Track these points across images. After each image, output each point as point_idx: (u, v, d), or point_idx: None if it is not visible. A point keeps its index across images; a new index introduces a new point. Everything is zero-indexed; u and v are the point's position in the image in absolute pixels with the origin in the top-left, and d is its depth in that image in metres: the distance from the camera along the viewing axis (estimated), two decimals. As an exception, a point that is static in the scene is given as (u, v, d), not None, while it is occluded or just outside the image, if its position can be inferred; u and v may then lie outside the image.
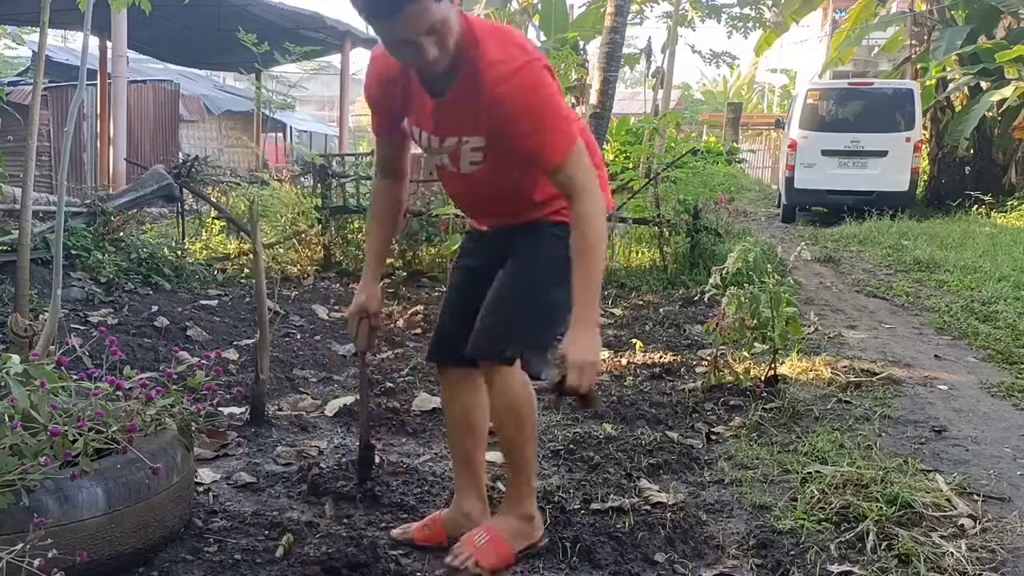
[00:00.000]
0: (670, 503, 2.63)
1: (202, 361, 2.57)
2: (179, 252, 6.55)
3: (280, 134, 21.66)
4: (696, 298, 6.02)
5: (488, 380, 2.15)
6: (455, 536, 2.27)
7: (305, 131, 24.71)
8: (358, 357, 2.49)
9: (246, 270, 6.76)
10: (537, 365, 2.13)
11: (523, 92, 1.89)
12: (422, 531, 2.37)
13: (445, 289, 6.42)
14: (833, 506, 2.58)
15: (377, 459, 2.92)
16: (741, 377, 3.88)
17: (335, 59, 16.06)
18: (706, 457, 3.11)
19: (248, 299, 5.74)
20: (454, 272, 2.53)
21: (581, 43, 18.23)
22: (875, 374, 4.17)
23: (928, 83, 14.03)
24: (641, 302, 6.13)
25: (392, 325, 5.27)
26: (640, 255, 7.87)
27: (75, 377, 2.24)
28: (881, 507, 2.53)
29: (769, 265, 4.15)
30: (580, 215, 1.94)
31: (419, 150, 2.26)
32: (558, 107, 1.94)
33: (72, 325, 4.49)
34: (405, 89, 2.06)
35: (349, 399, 3.62)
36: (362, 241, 7.47)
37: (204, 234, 7.76)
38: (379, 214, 2.39)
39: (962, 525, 2.51)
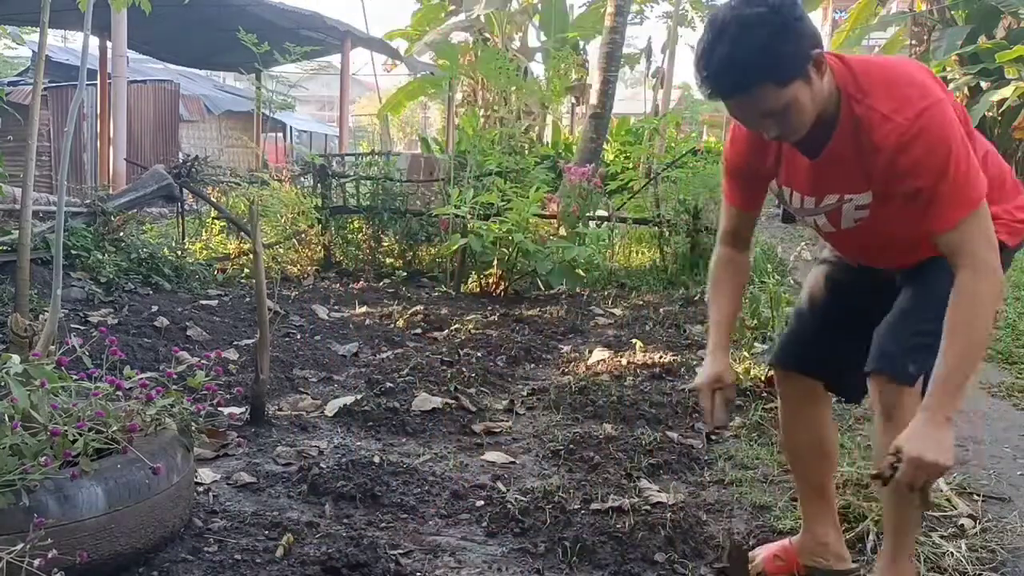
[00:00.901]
0: (670, 503, 2.63)
1: (202, 361, 2.57)
2: (179, 252, 6.55)
3: (280, 134, 21.66)
4: (696, 298, 6.02)
5: (883, 405, 1.89)
6: (809, 566, 2.18)
7: (305, 131, 24.72)
8: (712, 434, 2.17)
9: (246, 270, 6.76)
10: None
11: (925, 145, 1.67)
12: (773, 562, 2.23)
13: (444, 288, 6.44)
14: (833, 506, 2.58)
15: (376, 460, 2.92)
16: (741, 377, 3.88)
17: (335, 59, 16.07)
18: (706, 457, 3.11)
19: (248, 299, 5.74)
20: (819, 281, 2.22)
21: (581, 43, 18.25)
22: (875, 374, 4.16)
23: (928, 83, 14.02)
24: (641, 302, 6.13)
25: (392, 325, 5.27)
26: (640, 255, 7.87)
27: (75, 377, 2.24)
28: (881, 507, 2.53)
29: (769, 265, 4.16)
30: (962, 287, 1.67)
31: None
32: (963, 159, 1.68)
33: (72, 325, 4.49)
34: (776, 152, 1.91)
35: (349, 399, 3.62)
36: (362, 241, 7.48)
37: (204, 234, 7.76)
38: (724, 283, 2.11)
39: (962, 525, 2.51)
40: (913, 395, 1.84)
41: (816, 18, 26.25)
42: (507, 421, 3.53)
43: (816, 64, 1.68)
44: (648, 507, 2.61)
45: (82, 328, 4.48)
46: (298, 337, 4.84)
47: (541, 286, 6.66)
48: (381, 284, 6.73)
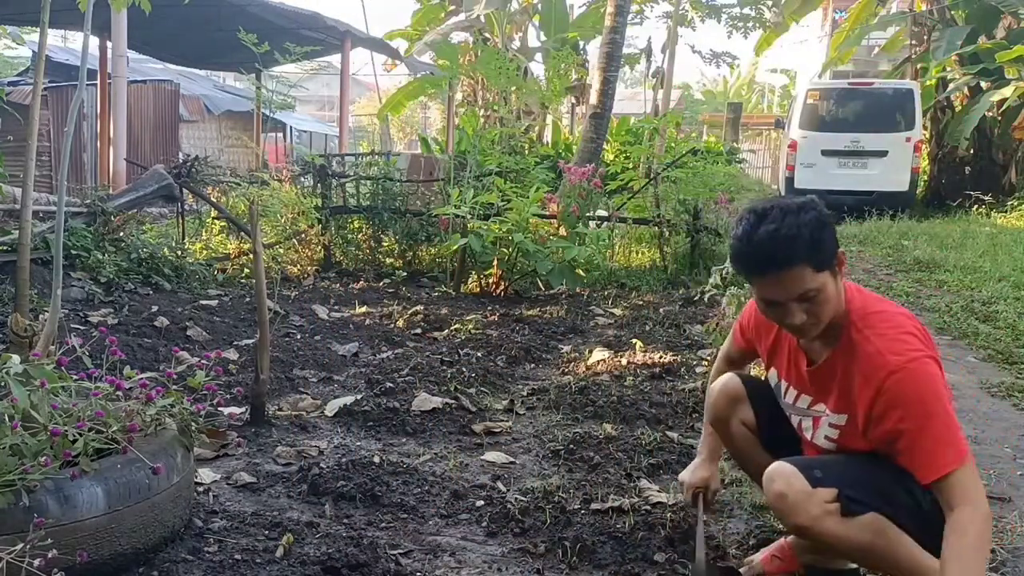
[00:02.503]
0: (670, 503, 2.63)
1: (202, 361, 2.57)
2: (179, 252, 6.55)
3: (280, 134, 21.66)
4: (696, 298, 6.03)
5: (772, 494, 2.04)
6: (808, 565, 2.19)
7: (305, 131, 24.73)
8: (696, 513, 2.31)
9: (246, 270, 6.76)
10: None
11: (911, 391, 1.76)
12: (772, 563, 2.24)
13: (444, 288, 6.45)
14: (833, 506, 2.57)
15: (376, 460, 2.92)
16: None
17: (335, 59, 16.05)
18: (706, 457, 3.11)
19: (248, 299, 5.74)
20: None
21: (581, 43, 18.26)
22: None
23: (928, 83, 14.02)
24: (641, 302, 6.13)
25: (392, 325, 5.27)
26: (640, 255, 7.87)
27: (75, 377, 2.24)
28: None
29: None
30: (960, 523, 1.70)
31: None
32: (949, 413, 1.77)
33: (72, 325, 4.49)
34: (778, 342, 2.08)
35: (349, 399, 3.62)
36: (362, 241, 7.49)
37: (204, 234, 7.75)
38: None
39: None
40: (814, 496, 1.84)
41: (816, 18, 26.24)
42: (507, 421, 3.53)
43: (840, 264, 1.84)
44: (648, 507, 2.61)
45: (82, 328, 4.48)
46: (298, 337, 4.84)
47: (541, 286, 6.66)
48: (381, 284, 6.73)
